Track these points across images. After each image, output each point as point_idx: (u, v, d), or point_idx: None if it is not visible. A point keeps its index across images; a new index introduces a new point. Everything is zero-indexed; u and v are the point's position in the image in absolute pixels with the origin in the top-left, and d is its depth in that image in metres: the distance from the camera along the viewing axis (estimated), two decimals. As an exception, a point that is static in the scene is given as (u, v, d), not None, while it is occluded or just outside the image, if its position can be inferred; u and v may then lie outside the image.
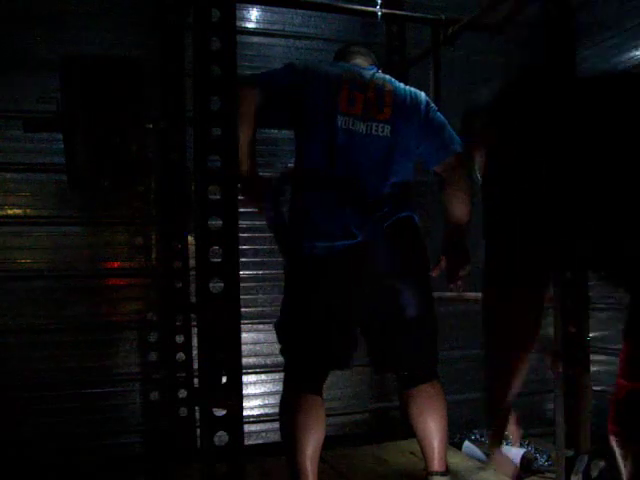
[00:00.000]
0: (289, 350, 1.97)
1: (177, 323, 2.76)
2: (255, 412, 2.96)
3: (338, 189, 1.91)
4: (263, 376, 3.01)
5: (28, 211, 2.71)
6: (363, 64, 2.16)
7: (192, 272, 2.61)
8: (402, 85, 2.10)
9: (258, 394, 2.99)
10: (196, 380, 2.47)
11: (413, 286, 1.97)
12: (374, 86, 2.01)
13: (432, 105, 2.11)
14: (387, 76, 2.12)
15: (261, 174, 2.03)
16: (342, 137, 1.93)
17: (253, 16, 3.07)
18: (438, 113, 2.11)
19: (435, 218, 2.45)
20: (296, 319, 1.95)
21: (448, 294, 2.75)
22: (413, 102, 2.05)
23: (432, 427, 2.00)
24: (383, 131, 1.97)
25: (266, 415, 2.97)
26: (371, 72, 2.08)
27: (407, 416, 2.09)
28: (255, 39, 3.06)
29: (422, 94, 2.11)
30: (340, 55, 2.23)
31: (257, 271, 3.01)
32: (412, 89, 2.10)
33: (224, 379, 1.69)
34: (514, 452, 2.68)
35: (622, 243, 1.10)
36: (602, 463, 1.99)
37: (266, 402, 2.99)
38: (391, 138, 1.98)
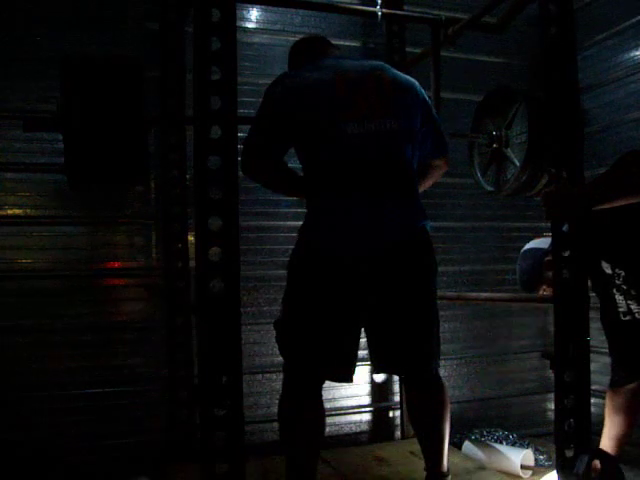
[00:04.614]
0: (288, 352, 1.94)
1: (177, 323, 2.76)
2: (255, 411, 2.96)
3: (352, 193, 1.85)
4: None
5: (28, 211, 2.71)
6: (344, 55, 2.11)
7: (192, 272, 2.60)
8: (399, 73, 2.02)
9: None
10: (196, 380, 2.47)
11: (420, 291, 1.93)
12: (373, 79, 1.93)
13: (429, 100, 2.07)
14: (381, 63, 2.04)
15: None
16: (352, 142, 1.85)
17: (253, 16, 3.06)
18: (433, 109, 2.08)
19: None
20: (298, 320, 1.91)
21: (448, 294, 2.76)
22: (413, 91, 1.98)
23: (434, 427, 1.98)
24: (391, 126, 1.88)
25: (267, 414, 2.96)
26: (365, 63, 2.01)
27: (410, 415, 2.07)
28: (255, 39, 3.06)
29: (418, 85, 2.03)
30: (314, 53, 2.09)
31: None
32: (408, 78, 2.03)
33: (224, 379, 1.69)
34: (514, 452, 2.68)
35: None
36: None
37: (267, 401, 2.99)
38: (399, 132, 1.89)
